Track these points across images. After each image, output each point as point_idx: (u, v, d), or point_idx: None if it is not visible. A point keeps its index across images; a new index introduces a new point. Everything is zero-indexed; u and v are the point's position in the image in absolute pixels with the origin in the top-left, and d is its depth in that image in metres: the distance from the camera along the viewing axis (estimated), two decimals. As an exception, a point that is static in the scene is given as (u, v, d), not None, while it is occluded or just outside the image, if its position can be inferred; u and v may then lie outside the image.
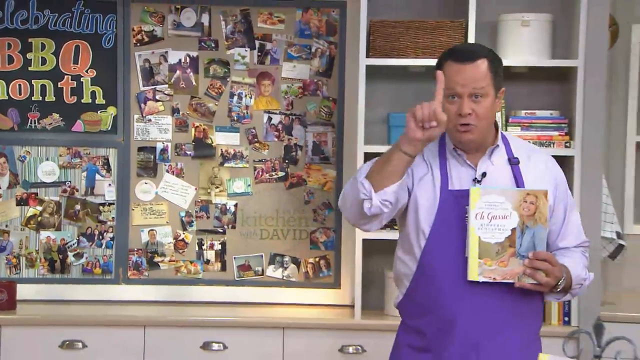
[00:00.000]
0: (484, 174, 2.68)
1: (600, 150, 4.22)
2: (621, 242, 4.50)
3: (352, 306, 4.34)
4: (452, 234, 2.63)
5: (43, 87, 4.50)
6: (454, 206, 2.64)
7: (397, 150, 2.54)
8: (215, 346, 4.14)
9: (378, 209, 2.61)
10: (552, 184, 2.72)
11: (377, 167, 2.62)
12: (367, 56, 4.20)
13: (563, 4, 4.43)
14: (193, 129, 4.56)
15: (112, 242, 4.57)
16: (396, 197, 2.65)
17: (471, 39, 4.20)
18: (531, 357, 2.27)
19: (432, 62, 3.88)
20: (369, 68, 4.21)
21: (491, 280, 2.55)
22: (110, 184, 4.56)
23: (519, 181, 2.68)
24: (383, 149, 4.01)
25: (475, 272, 2.56)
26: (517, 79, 4.35)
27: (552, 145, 4.24)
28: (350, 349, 4.11)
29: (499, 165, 2.71)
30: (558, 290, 2.61)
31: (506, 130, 4.24)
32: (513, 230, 2.54)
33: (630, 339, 2.15)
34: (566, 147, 4.12)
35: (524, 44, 4.23)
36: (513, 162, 2.71)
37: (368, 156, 4.20)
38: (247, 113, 4.57)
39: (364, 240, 4.24)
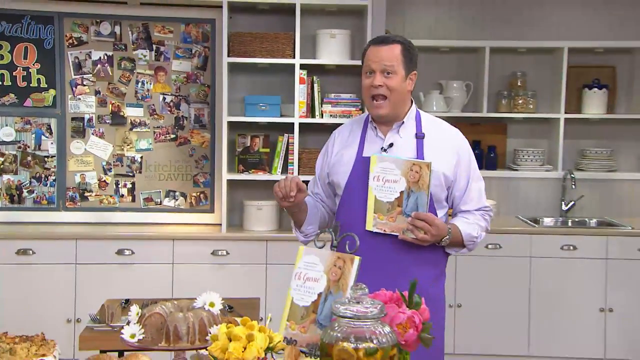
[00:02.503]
0: (391, 145, 2.59)
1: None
2: None
3: (220, 224, 4.67)
4: (360, 191, 2.55)
5: (2, 75, 4.71)
6: (364, 169, 2.55)
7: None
8: (126, 252, 4.46)
9: (304, 237, 2.69)
10: (453, 156, 2.60)
11: (290, 216, 2.67)
12: (228, 56, 4.56)
13: (357, 24, 4.79)
14: (110, 105, 4.80)
15: (54, 182, 4.80)
16: (313, 220, 2.66)
17: (297, 46, 4.57)
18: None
19: (273, 60, 4.55)
20: (230, 64, 4.59)
21: (382, 232, 2.50)
22: (52, 143, 4.78)
23: (419, 153, 2.57)
24: (241, 119, 4.60)
25: (370, 223, 2.51)
26: (329, 72, 4.82)
27: (351, 116, 4.56)
28: (219, 252, 4.50)
29: (406, 138, 2.61)
30: (442, 244, 2.54)
31: (322, 106, 4.67)
32: (401, 192, 2.47)
33: (355, 234, 2.07)
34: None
35: (332, 50, 4.65)
36: (419, 136, 2.60)
37: (231, 124, 4.63)
38: (148, 94, 4.83)
39: (228, 181, 4.65)
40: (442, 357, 2.65)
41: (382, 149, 2.59)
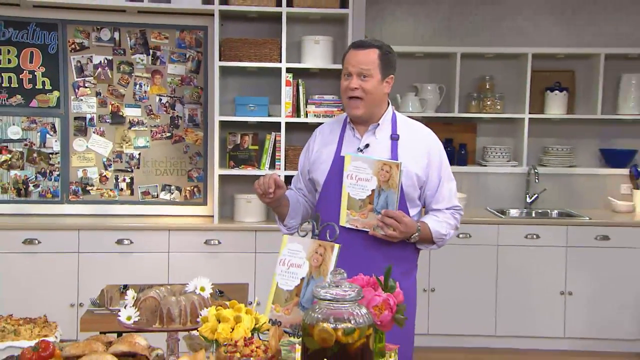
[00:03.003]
0: (367, 145, 2.53)
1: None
2: None
3: (213, 216, 4.66)
4: (337, 188, 2.48)
5: (10, 78, 4.67)
6: (341, 167, 2.49)
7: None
8: (125, 241, 4.44)
9: (287, 230, 2.62)
10: (425, 157, 2.53)
11: (273, 210, 2.63)
12: (220, 60, 4.55)
13: (338, 31, 4.81)
14: (110, 106, 4.76)
15: (58, 177, 4.76)
16: (295, 214, 2.61)
17: (284, 51, 4.55)
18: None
19: (261, 64, 4.51)
20: (221, 68, 4.59)
21: (354, 227, 2.44)
22: (56, 140, 4.74)
23: (393, 154, 2.50)
24: (232, 118, 4.56)
25: (344, 219, 2.45)
26: (313, 75, 4.79)
27: (333, 116, 4.49)
28: (212, 242, 4.48)
29: (381, 139, 2.53)
30: (412, 241, 2.48)
31: (306, 107, 4.64)
32: (372, 191, 2.40)
33: (334, 224, 2.14)
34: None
35: (316, 55, 4.64)
36: (393, 137, 2.53)
37: (222, 123, 4.60)
38: (145, 95, 4.78)
39: (220, 176, 4.63)
40: (412, 345, 2.68)
41: (358, 149, 2.53)
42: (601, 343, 4.88)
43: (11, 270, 4.37)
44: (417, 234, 2.46)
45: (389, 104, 2.61)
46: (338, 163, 2.52)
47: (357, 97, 2.48)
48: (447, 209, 2.60)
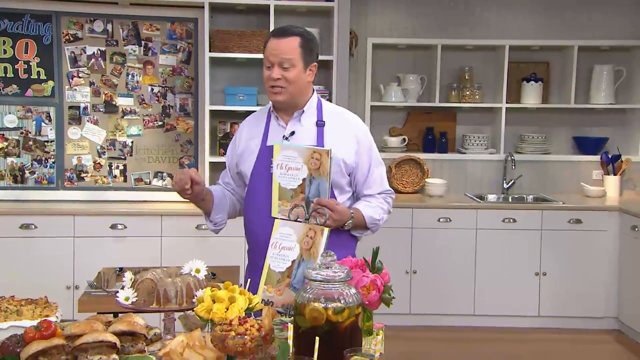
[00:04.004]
0: (292, 133, 2.38)
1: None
2: None
3: None
4: (265, 179, 2.35)
5: (5, 68, 4.63)
6: (268, 158, 2.35)
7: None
8: (119, 226, 4.42)
9: (214, 226, 2.52)
10: (353, 143, 2.40)
11: (197, 207, 2.48)
12: (210, 51, 4.54)
13: (324, 23, 4.80)
14: (103, 95, 4.73)
15: (53, 164, 4.73)
16: (220, 209, 2.46)
17: None
18: None
19: (250, 55, 4.49)
20: (211, 59, 4.59)
21: (286, 218, 2.27)
22: (51, 129, 4.71)
23: (319, 141, 2.36)
24: (222, 107, 4.53)
25: (275, 210, 2.29)
26: None
27: None
28: (202, 227, 4.37)
29: (307, 126, 2.39)
30: (346, 228, 2.34)
31: None
32: (303, 180, 2.25)
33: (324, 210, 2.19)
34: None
35: None
36: (319, 124, 2.38)
37: (212, 113, 4.59)
38: (137, 85, 4.75)
39: (210, 163, 4.62)
40: None
41: (283, 137, 2.38)
42: (573, 320, 4.96)
43: (9, 254, 4.35)
44: (350, 221, 2.32)
45: (313, 91, 2.45)
46: (265, 153, 2.38)
47: (279, 86, 2.32)
48: (378, 193, 2.48)
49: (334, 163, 2.30)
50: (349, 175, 2.43)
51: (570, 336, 4.83)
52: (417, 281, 4.89)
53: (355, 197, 2.50)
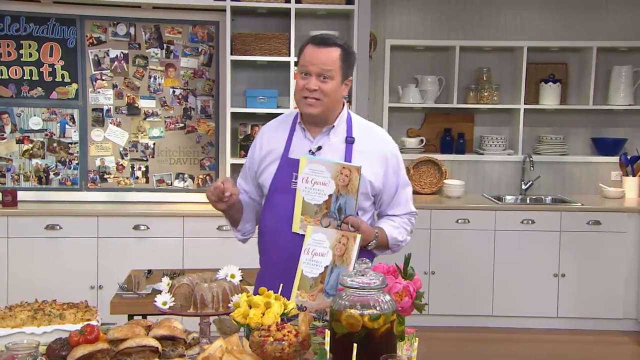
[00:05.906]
0: (319, 147, 2.26)
1: (365, 112, 4.54)
2: None
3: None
4: (285, 192, 2.25)
5: (31, 71, 4.68)
6: (289, 171, 2.24)
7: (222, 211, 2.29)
8: (142, 227, 4.44)
9: (242, 236, 2.45)
10: (382, 163, 2.29)
11: (226, 217, 2.41)
12: (231, 54, 4.55)
13: (344, 25, 4.81)
14: (126, 97, 4.76)
15: (77, 166, 4.78)
16: (249, 217, 2.39)
17: (292, 45, 4.53)
18: None
19: (271, 58, 4.51)
20: (232, 62, 4.57)
21: (317, 225, 2.17)
22: (75, 131, 4.75)
23: (347, 158, 2.24)
24: (242, 110, 4.56)
25: (297, 225, 2.20)
26: None
27: None
28: (224, 228, 4.36)
29: (335, 142, 2.28)
30: (368, 248, 2.26)
31: None
32: (330, 195, 2.16)
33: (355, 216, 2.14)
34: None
35: None
36: (349, 141, 2.27)
37: (233, 115, 4.61)
38: (159, 88, 4.79)
39: (231, 164, 4.62)
40: None
41: (310, 151, 2.25)
42: (591, 322, 4.96)
43: (35, 254, 4.39)
44: (374, 241, 2.25)
45: (343, 105, 2.32)
46: (286, 165, 2.25)
47: (314, 98, 2.20)
48: (403, 214, 2.40)
49: (362, 184, 2.20)
50: (373, 197, 2.34)
51: (589, 337, 4.83)
52: (435, 282, 4.91)
53: (378, 214, 2.44)
